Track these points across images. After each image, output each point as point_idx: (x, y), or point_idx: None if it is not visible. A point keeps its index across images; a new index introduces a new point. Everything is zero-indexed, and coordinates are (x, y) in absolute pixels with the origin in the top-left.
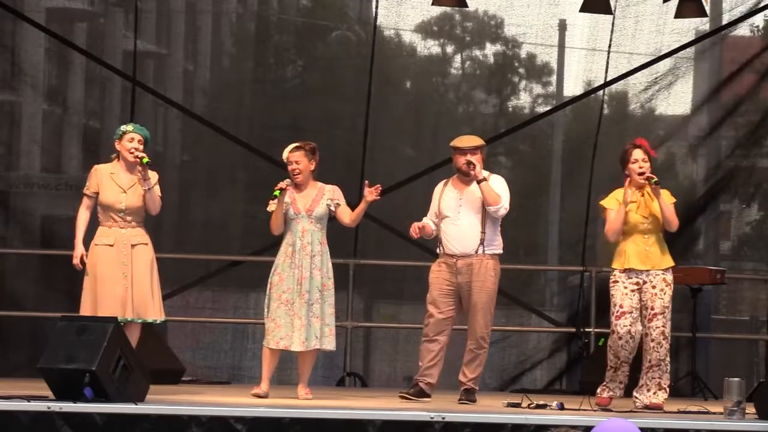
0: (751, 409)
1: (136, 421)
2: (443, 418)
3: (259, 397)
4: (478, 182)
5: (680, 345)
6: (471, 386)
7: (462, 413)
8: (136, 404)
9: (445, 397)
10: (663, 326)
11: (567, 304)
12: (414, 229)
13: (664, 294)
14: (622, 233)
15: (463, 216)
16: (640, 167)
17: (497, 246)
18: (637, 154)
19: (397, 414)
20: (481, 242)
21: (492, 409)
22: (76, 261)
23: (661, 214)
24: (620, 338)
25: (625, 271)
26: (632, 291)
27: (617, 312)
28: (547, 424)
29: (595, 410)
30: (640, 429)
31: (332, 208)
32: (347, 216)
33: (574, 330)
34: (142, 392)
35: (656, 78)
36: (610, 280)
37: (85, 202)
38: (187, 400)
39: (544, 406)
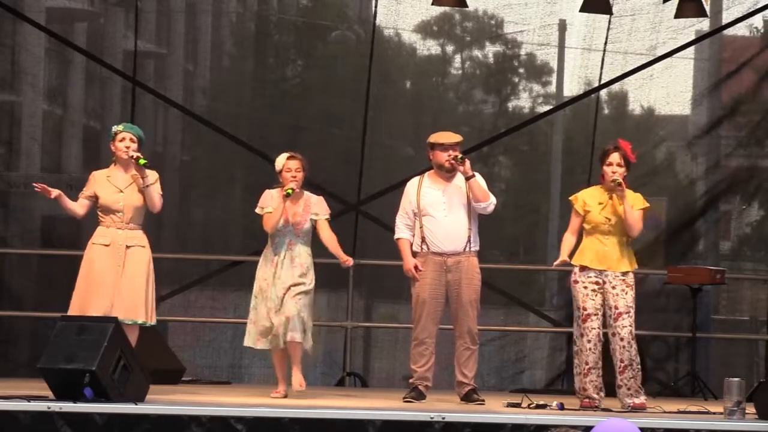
0: (751, 409)
1: (136, 421)
2: (443, 418)
3: (279, 395)
4: (468, 178)
5: (680, 345)
6: (474, 385)
7: (462, 413)
8: (136, 404)
9: (445, 397)
10: (630, 325)
11: (566, 304)
12: (414, 274)
13: (626, 294)
14: (585, 232)
15: (450, 213)
16: (613, 172)
17: (478, 243)
18: (614, 157)
19: (397, 414)
20: (469, 239)
21: (492, 409)
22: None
23: (624, 218)
24: (589, 341)
25: (582, 269)
26: (593, 291)
27: (582, 315)
28: (547, 424)
29: (594, 410)
30: (640, 429)
31: (314, 220)
32: (325, 233)
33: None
34: (142, 392)
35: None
36: (571, 278)
37: (79, 201)
38: (187, 400)
39: (544, 406)
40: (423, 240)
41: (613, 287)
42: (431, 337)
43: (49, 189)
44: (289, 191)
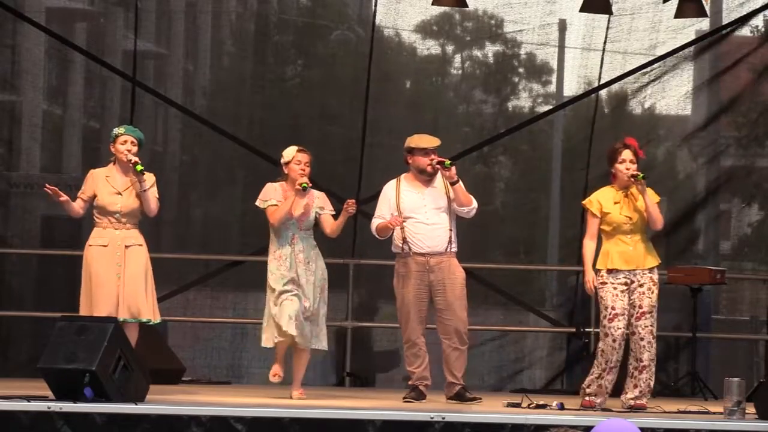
0: (751, 409)
1: (136, 421)
2: (443, 418)
3: (278, 377)
4: (453, 183)
5: (680, 345)
6: (463, 384)
7: (462, 413)
8: (136, 404)
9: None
10: (652, 325)
11: (566, 304)
12: (397, 220)
13: (652, 293)
14: (605, 234)
15: (431, 215)
16: (627, 168)
17: (456, 244)
18: (626, 154)
19: (397, 414)
20: (449, 240)
21: (492, 409)
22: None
23: (646, 213)
24: (614, 341)
25: (610, 272)
26: (622, 292)
27: (610, 315)
28: (547, 424)
29: (595, 410)
30: (640, 429)
31: (319, 213)
32: (329, 226)
33: (574, 330)
34: (142, 392)
35: (650, 75)
36: (598, 281)
37: (78, 202)
38: (187, 400)
39: (544, 406)
40: (404, 241)
41: (641, 285)
42: (420, 336)
43: (60, 193)
44: (305, 185)
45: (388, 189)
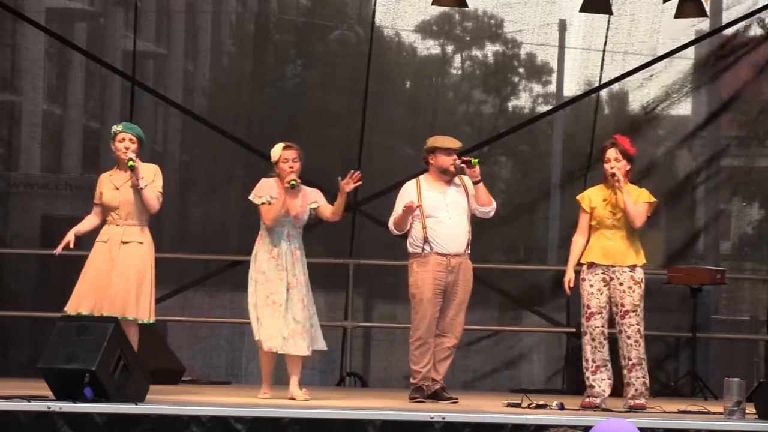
0: (751, 409)
1: (136, 421)
2: (443, 418)
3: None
4: (476, 183)
5: (680, 345)
6: (443, 385)
7: (462, 413)
8: (136, 404)
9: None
10: (637, 324)
11: (565, 303)
12: (412, 204)
13: (633, 291)
14: (592, 229)
15: (453, 215)
16: (611, 167)
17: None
18: (610, 153)
19: (397, 414)
20: (468, 241)
21: (492, 409)
22: (58, 248)
23: (625, 209)
24: (593, 339)
25: (590, 266)
26: (598, 289)
27: (586, 313)
28: (547, 424)
29: (594, 410)
30: (640, 429)
31: (313, 208)
32: (328, 210)
33: (573, 330)
34: (142, 392)
35: (650, 75)
36: (580, 276)
37: (93, 210)
38: (187, 400)
39: (544, 406)
40: (426, 241)
41: (621, 283)
42: (432, 336)
43: (64, 243)
44: (293, 183)
45: (408, 188)
